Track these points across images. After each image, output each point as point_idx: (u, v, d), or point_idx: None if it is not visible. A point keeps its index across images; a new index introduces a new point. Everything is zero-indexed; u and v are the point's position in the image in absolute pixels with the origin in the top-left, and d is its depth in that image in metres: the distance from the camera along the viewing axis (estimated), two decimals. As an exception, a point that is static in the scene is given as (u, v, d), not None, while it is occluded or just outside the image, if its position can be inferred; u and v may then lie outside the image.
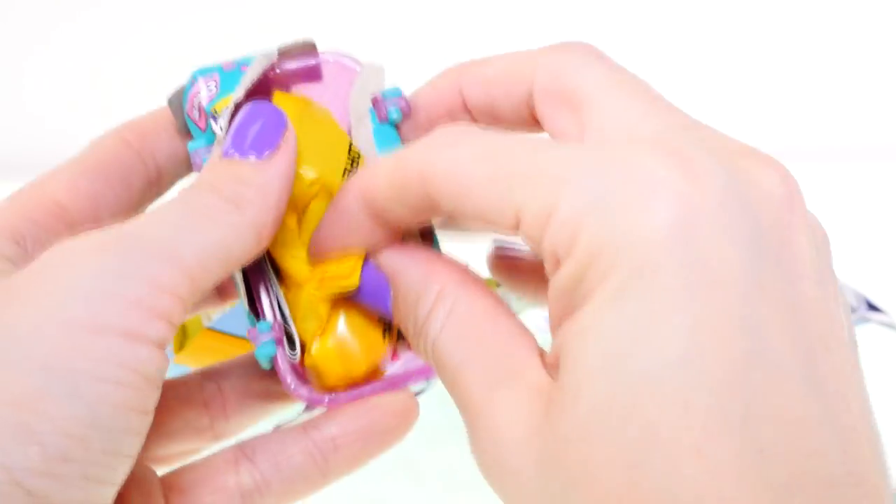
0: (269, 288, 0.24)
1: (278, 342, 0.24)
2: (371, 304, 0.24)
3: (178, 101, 0.27)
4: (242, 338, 0.43)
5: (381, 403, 0.24)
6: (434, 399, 0.47)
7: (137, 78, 0.96)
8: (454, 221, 0.24)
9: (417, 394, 0.45)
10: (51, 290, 0.19)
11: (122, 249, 0.20)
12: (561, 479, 0.17)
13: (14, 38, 0.95)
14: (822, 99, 0.98)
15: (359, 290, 0.23)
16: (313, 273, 0.24)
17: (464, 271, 0.23)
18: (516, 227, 0.20)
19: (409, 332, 0.23)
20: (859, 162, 0.94)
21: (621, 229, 0.17)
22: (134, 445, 0.20)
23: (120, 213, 0.24)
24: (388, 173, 0.22)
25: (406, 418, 0.25)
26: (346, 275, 0.23)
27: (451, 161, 0.20)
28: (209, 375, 0.26)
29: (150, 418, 0.20)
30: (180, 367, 0.41)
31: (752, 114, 0.99)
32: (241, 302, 0.25)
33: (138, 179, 0.24)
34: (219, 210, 0.22)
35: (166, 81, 1.00)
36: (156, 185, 0.26)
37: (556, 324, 0.19)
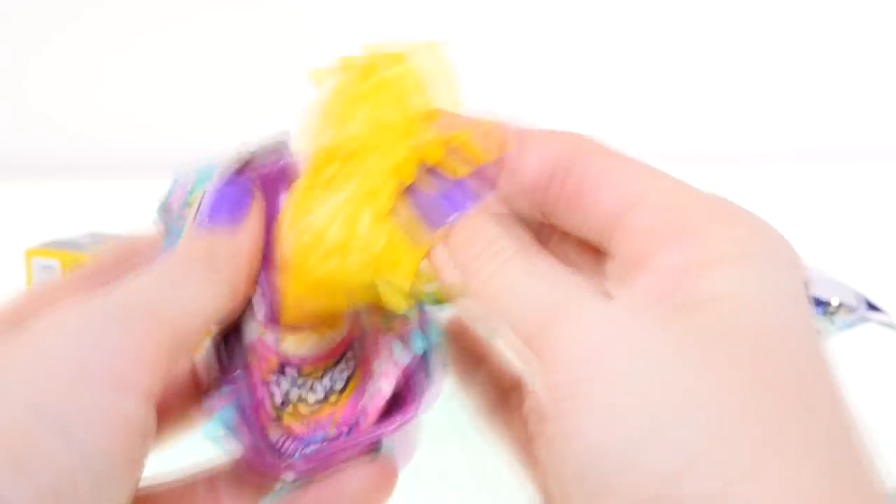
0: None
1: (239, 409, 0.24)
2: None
3: (161, 210, 0.28)
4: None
5: (354, 478, 0.24)
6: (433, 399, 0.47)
7: (138, 79, 0.96)
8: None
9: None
10: (39, 344, 0.20)
11: (107, 308, 0.21)
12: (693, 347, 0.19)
13: (16, 39, 0.96)
14: (822, 99, 0.98)
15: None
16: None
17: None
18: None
19: (458, 273, 0.24)
20: (859, 162, 0.94)
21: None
22: (122, 493, 0.20)
23: None
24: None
25: (384, 489, 0.25)
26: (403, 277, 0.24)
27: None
28: (201, 476, 0.26)
29: (138, 469, 0.21)
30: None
31: (753, 114, 0.99)
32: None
33: None
34: (196, 271, 0.23)
35: (167, 82, 1.00)
36: None
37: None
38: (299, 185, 0.25)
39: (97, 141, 0.97)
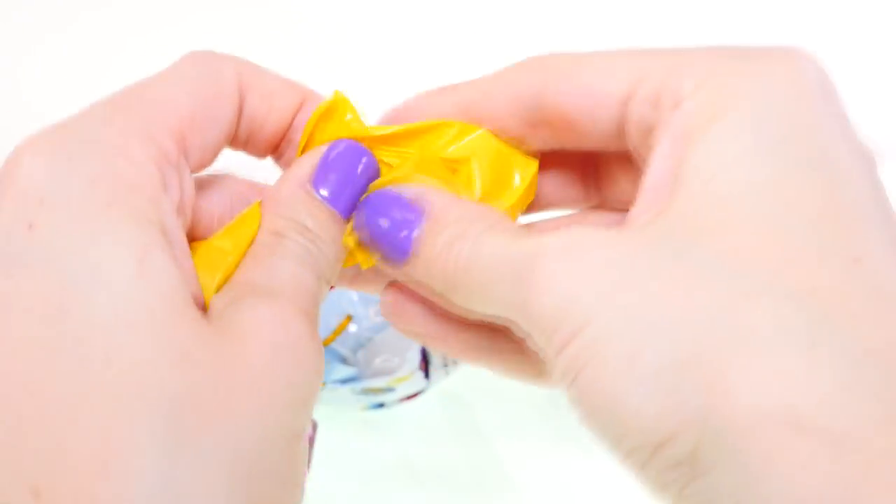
0: None
1: None
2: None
3: None
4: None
5: None
6: (434, 399, 0.47)
7: (138, 79, 0.96)
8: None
9: (417, 394, 0.45)
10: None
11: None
12: (680, 245, 0.18)
13: (16, 39, 0.95)
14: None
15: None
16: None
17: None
18: (633, 86, 0.20)
19: (443, 249, 0.21)
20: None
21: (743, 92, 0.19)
22: None
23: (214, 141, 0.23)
24: None
25: None
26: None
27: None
28: None
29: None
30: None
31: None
32: None
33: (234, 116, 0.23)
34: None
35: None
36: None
37: (669, 157, 0.19)
38: None
39: (97, 141, 0.97)
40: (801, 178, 0.18)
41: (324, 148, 0.23)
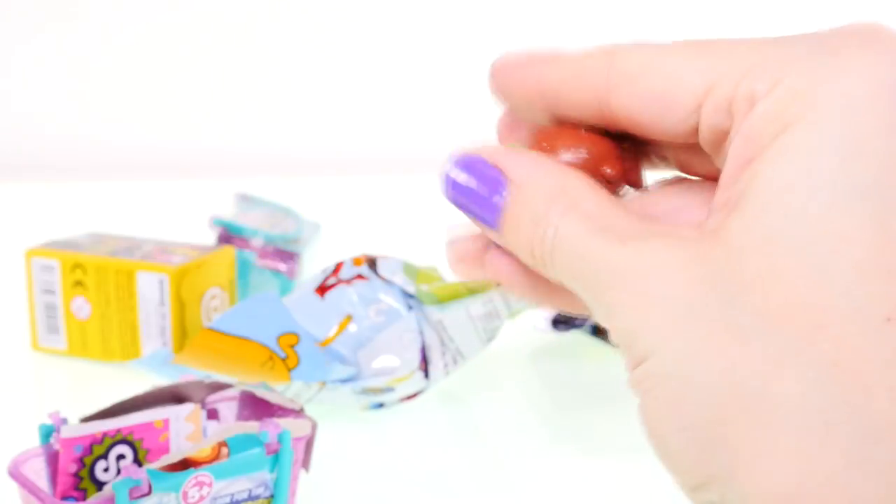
0: None
1: None
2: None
3: None
4: (242, 338, 0.43)
5: None
6: (434, 399, 0.47)
7: (138, 79, 0.96)
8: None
9: (417, 394, 0.45)
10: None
11: None
12: (730, 289, 0.18)
13: (16, 39, 0.96)
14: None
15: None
16: None
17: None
18: (705, 93, 0.20)
19: (528, 226, 0.22)
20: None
21: (825, 79, 0.19)
22: None
23: None
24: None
25: None
26: None
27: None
28: None
29: None
30: (180, 367, 0.41)
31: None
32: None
33: None
34: None
35: (167, 82, 1.00)
36: None
37: (739, 167, 0.19)
38: None
39: (97, 141, 0.97)
40: (854, 212, 0.18)
41: None
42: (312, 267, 0.57)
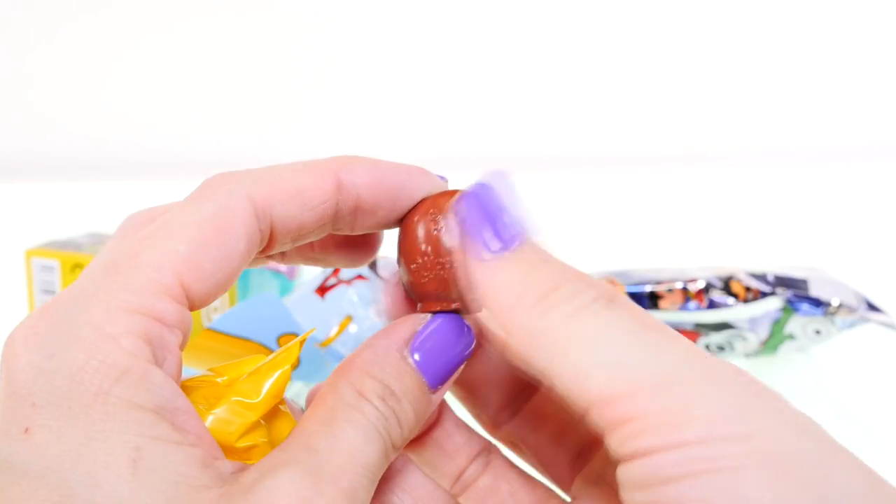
0: None
1: None
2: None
3: None
4: (242, 338, 0.43)
5: None
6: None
7: (138, 79, 0.96)
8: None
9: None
10: None
11: None
12: None
13: (16, 39, 0.96)
14: (822, 99, 0.98)
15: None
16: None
17: None
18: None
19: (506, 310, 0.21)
20: (859, 162, 0.94)
21: None
22: None
23: (224, 278, 0.22)
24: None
25: None
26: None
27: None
28: None
29: None
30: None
31: (752, 114, 0.99)
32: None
33: (253, 246, 0.22)
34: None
35: (167, 82, 1.00)
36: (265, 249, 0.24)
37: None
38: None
39: (97, 141, 0.97)
40: None
41: (424, 317, 0.23)
42: (312, 267, 0.57)
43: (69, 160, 0.95)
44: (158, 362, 0.19)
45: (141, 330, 0.19)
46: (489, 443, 0.25)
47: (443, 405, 0.25)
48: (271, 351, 0.43)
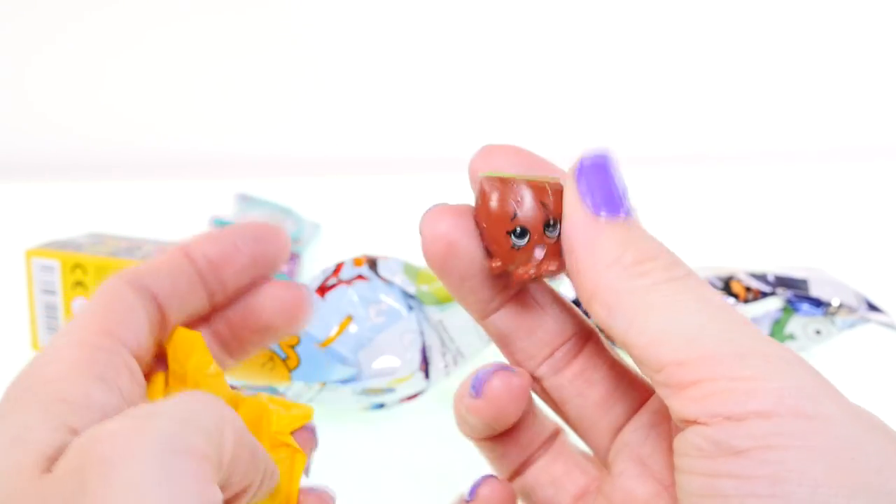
0: None
1: None
2: None
3: None
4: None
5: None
6: (434, 399, 0.47)
7: (138, 79, 0.96)
8: None
9: (417, 395, 0.45)
10: None
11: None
12: None
13: (16, 39, 0.95)
14: (822, 99, 0.98)
15: None
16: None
17: None
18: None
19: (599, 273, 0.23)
20: (859, 162, 0.94)
21: None
22: None
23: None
24: None
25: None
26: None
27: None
28: None
29: None
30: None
31: (752, 114, 0.99)
32: None
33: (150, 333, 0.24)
34: None
35: (167, 82, 1.00)
36: (163, 328, 0.26)
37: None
38: None
39: (97, 141, 0.97)
40: None
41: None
42: (312, 267, 0.57)
43: (69, 160, 0.95)
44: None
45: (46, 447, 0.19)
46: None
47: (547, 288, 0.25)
48: (273, 352, 0.43)
